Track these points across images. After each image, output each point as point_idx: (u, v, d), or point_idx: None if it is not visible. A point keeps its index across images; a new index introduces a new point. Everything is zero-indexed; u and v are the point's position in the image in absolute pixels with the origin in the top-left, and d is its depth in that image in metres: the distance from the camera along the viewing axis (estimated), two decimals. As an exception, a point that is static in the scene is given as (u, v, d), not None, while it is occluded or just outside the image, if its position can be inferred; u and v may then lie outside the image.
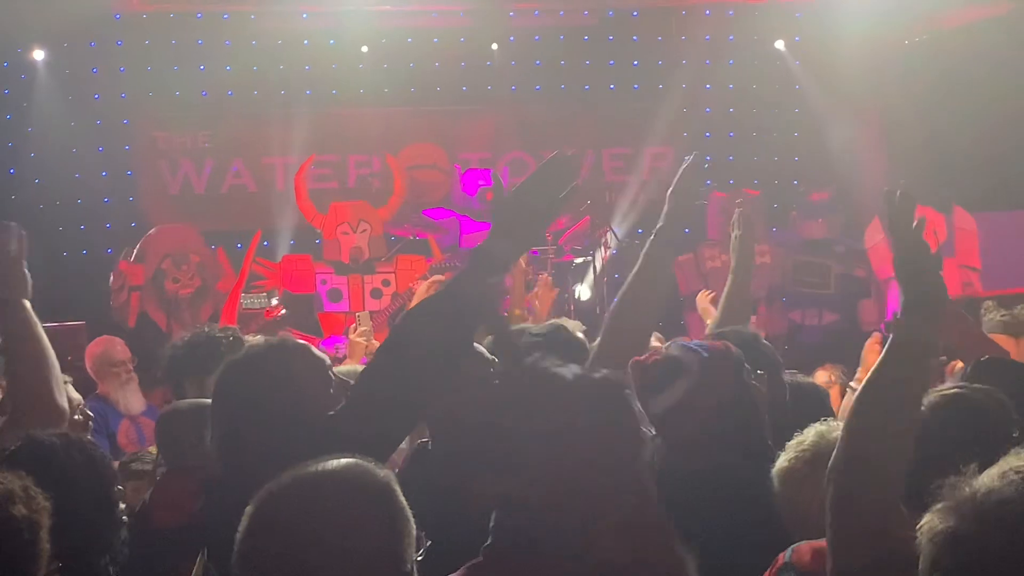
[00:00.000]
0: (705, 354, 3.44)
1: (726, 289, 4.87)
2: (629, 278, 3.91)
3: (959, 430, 2.79)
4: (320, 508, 2.00)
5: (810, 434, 3.04)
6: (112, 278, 10.87)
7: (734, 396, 3.33)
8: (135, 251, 10.94)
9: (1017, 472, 1.64)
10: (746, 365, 3.46)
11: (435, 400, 2.92)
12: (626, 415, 2.43)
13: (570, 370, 2.47)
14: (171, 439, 4.09)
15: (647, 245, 3.96)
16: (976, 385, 3.17)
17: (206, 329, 4.97)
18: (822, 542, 2.54)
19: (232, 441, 2.93)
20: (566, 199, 3.11)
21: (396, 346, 2.92)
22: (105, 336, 7.96)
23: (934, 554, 1.65)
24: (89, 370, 7.43)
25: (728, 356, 3.47)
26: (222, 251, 11.16)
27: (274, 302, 9.90)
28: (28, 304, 3.65)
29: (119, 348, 7.59)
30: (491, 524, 2.65)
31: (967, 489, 1.65)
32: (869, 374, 2.47)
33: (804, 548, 2.78)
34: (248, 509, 2.04)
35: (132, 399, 7.33)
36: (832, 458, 2.44)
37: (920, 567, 1.69)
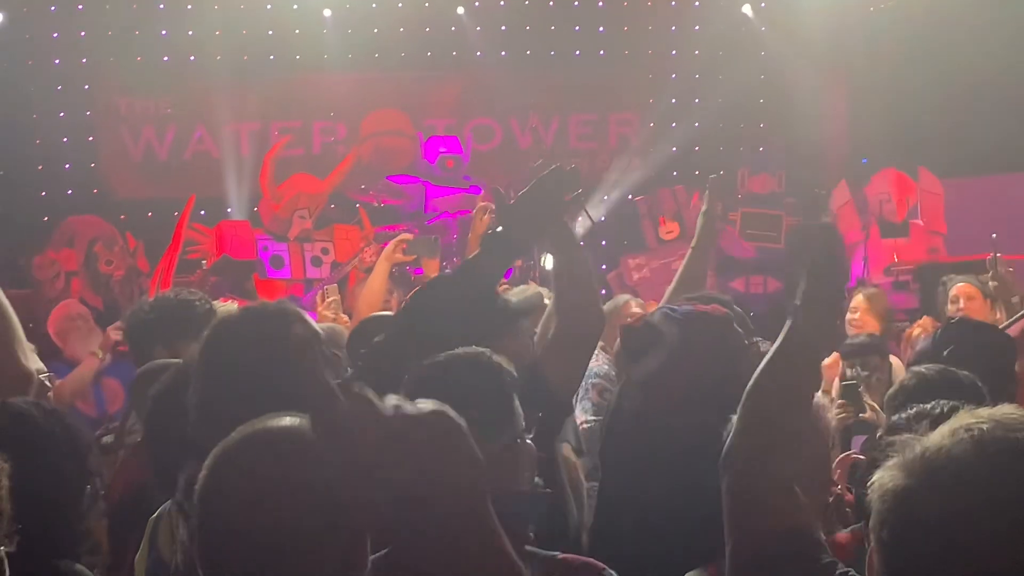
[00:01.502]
0: (680, 316, 3.44)
1: (685, 260, 4.98)
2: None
3: None
4: (278, 463, 1.98)
5: None
6: (38, 269, 10.70)
7: (715, 358, 3.33)
8: (54, 240, 10.84)
9: (967, 430, 1.63)
10: (737, 328, 3.47)
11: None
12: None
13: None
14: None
15: (687, 258, 4.73)
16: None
17: (171, 294, 4.93)
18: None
19: (216, 405, 2.89)
20: (567, 206, 3.48)
21: (412, 312, 2.99)
22: (65, 302, 7.96)
23: (882, 511, 1.65)
24: (52, 335, 7.41)
25: (709, 319, 3.48)
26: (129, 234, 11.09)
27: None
28: None
29: (76, 304, 7.62)
30: None
31: (917, 447, 1.65)
32: (766, 358, 2.46)
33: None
34: (207, 462, 2.02)
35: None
36: (727, 443, 2.45)
37: (870, 524, 1.68)
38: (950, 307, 7.06)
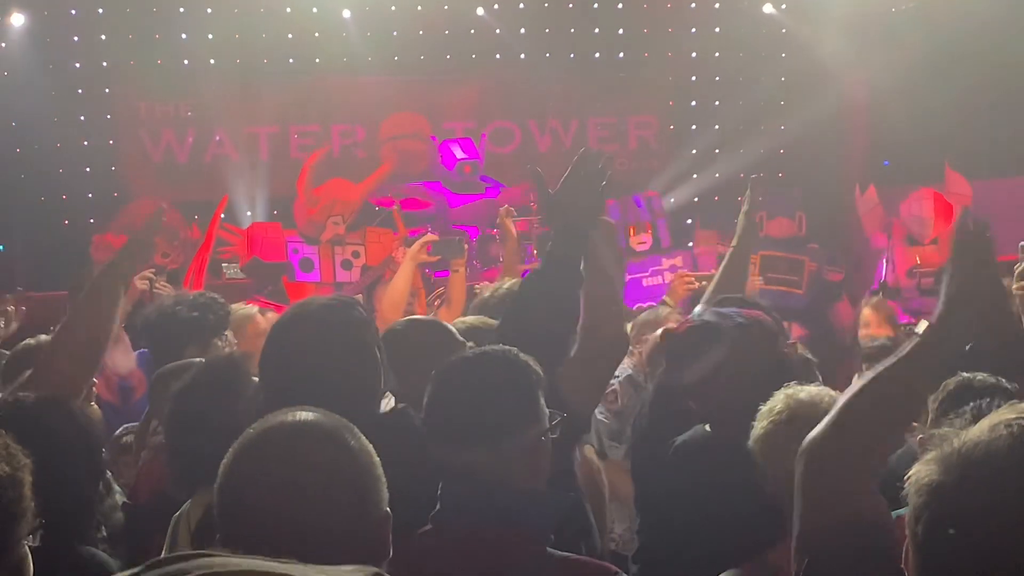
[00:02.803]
0: (741, 320, 3.42)
1: (725, 260, 4.94)
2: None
3: None
4: (300, 455, 2.01)
5: (779, 399, 3.01)
6: (96, 249, 10.76)
7: (770, 365, 3.32)
8: (117, 223, 10.85)
9: (1007, 426, 1.61)
10: (780, 334, 3.47)
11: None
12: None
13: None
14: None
15: (728, 258, 4.77)
16: None
17: (191, 296, 4.94)
18: None
19: (279, 400, 2.90)
20: (605, 190, 3.48)
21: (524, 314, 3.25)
22: None
23: (918, 505, 1.63)
24: None
25: (764, 324, 3.46)
26: (195, 225, 11.10)
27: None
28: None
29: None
30: (439, 491, 2.67)
31: (955, 441, 1.62)
32: (886, 363, 2.40)
33: None
34: (230, 451, 2.04)
35: (121, 360, 7.32)
36: (815, 432, 2.40)
37: (907, 518, 1.66)
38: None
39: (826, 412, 2.76)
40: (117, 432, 5.61)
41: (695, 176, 12.26)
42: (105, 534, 3.50)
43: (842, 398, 2.42)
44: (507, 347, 2.83)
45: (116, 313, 3.83)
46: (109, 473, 3.85)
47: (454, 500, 2.66)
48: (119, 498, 4.09)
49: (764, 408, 3.00)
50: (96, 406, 4.63)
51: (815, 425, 2.80)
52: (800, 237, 10.41)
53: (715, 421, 3.42)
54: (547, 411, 2.77)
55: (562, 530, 2.78)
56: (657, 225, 10.21)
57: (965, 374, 3.35)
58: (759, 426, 2.98)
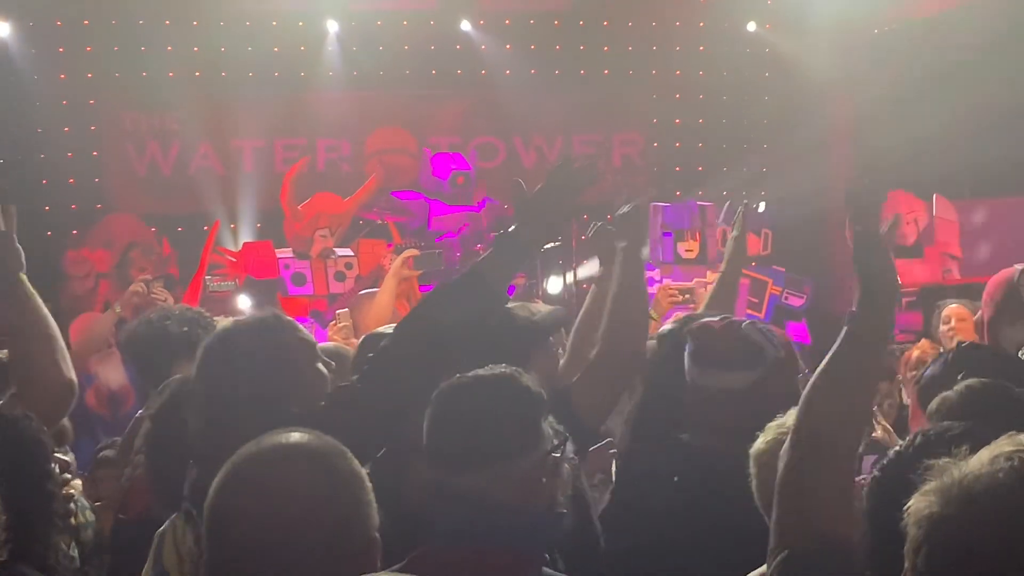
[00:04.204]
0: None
1: (714, 284, 4.98)
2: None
3: None
4: (289, 474, 2.01)
5: (791, 416, 3.00)
6: (72, 264, 10.72)
7: (784, 399, 3.30)
8: (94, 237, 10.81)
9: (1008, 459, 1.61)
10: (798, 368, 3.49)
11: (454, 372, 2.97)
12: None
13: None
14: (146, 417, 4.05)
15: (717, 281, 4.76)
16: None
17: (176, 310, 4.93)
18: None
19: (219, 423, 2.90)
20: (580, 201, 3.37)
21: (421, 318, 2.97)
22: (88, 313, 7.97)
23: (918, 537, 1.63)
24: (73, 343, 7.43)
25: (795, 358, 3.48)
26: (166, 240, 11.06)
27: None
28: (24, 277, 3.64)
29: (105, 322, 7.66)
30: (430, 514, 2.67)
31: (955, 472, 1.63)
32: (823, 363, 2.46)
33: None
34: (218, 476, 2.03)
35: (112, 373, 7.33)
36: (786, 443, 2.44)
37: (905, 549, 1.67)
38: (942, 327, 7.13)
39: None
40: (98, 447, 5.62)
41: (678, 194, 12.27)
42: (75, 553, 3.48)
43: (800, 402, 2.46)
44: (510, 369, 2.82)
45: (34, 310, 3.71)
46: (78, 491, 3.83)
47: (448, 522, 2.65)
48: (90, 515, 4.08)
49: (773, 424, 2.99)
50: (67, 422, 4.58)
51: None
52: (765, 255, 10.43)
53: (702, 432, 3.41)
54: (552, 431, 2.78)
55: (565, 550, 2.78)
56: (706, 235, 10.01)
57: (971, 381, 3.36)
58: (764, 439, 2.97)
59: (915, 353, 6.62)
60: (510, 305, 4.34)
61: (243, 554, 1.94)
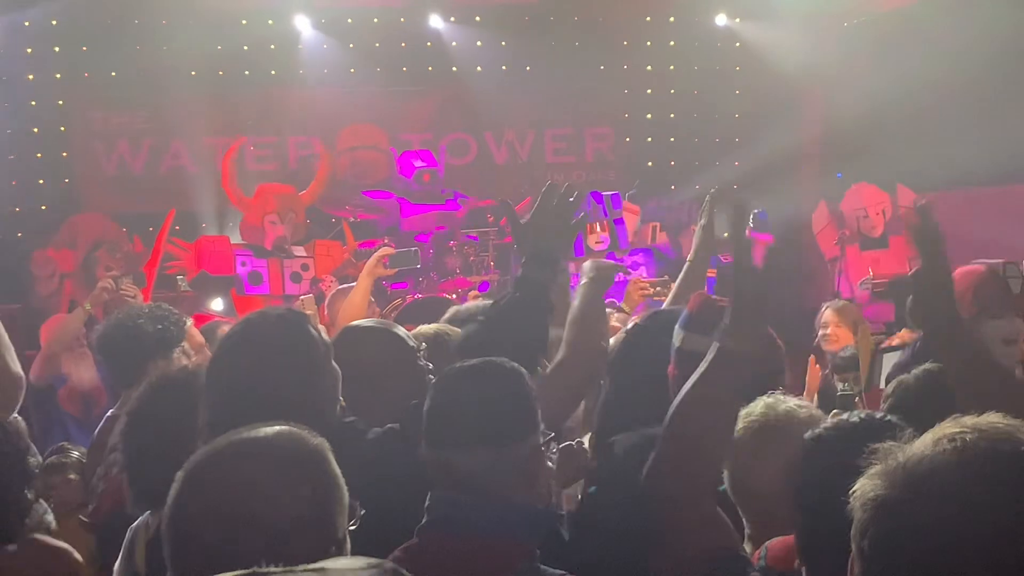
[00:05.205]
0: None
1: (682, 273, 4.97)
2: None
3: None
4: (248, 475, 1.99)
5: (758, 406, 3.02)
6: (37, 265, 10.65)
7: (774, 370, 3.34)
8: (59, 237, 10.76)
9: (950, 440, 1.62)
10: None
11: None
12: None
13: None
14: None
15: (685, 271, 4.79)
16: None
17: (144, 309, 4.91)
18: (790, 538, 2.54)
19: (236, 415, 2.89)
20: (578, 224, 3.65)
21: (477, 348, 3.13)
22: (58, 315, 7.95)
23: (864, 521, 1.64)
24: (44, 343, 7.41)
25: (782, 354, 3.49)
26: (137, 238, 11.02)
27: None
28: None
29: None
30: (426, 503, 2.66)
31: (899, 455, 1.64)
32: (691, 380, 2.47)
33: (777, 545, 2.76)
34: (178, 475, 2.02)
35: (85, 373, 7.31)
36: (649, 461, 2.46)
37: (851, 532, 1.68)
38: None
39: (800, 426, 2.80)
40: (47, 452, 5.61)
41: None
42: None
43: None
44: (501, 360, 2.86)
45: None
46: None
47: (445, 511, 2.65)
48: (49, 518, 4.08)
49: (741, 412, 2.95)
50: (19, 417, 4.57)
51: (783, 436, 2.84)
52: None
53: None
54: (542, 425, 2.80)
55: (548, 546, 2.79)
56: (615, 224, 10.12)
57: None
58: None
59: (894, 342, 6.64)
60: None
61: (202, 558, 1.93)
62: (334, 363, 3.14)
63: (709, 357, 2.46)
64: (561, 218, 3.56)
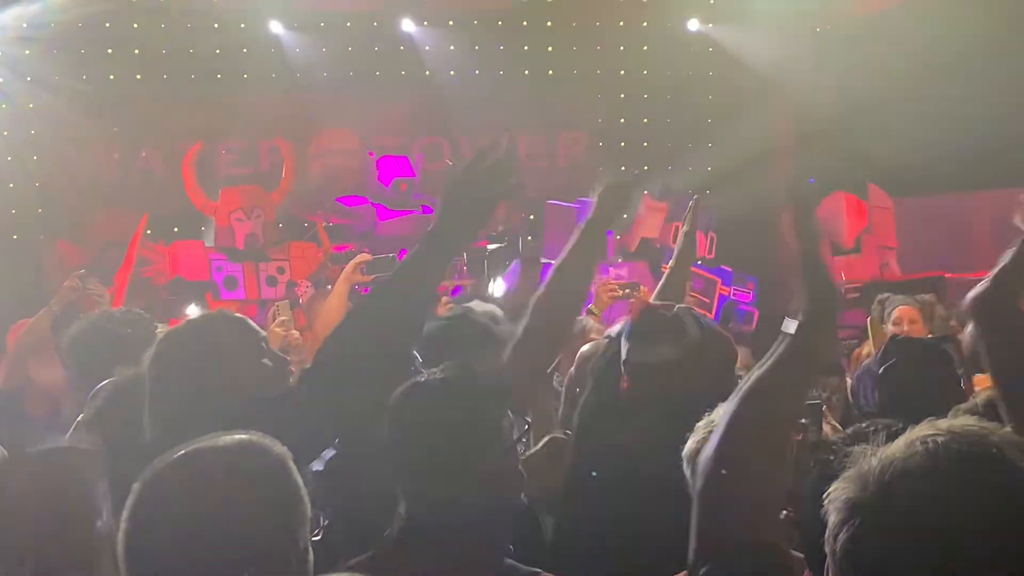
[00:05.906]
0: (707, 320, 3.44)
1: (663, 278, 4.97)
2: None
3: None
4: (206, 485, 1.97)
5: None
6: (48, 257, 10.61)
7: (721, 385, 3.26)
8: (74, 231, 10.70)
9: (923, 442, 1.63)
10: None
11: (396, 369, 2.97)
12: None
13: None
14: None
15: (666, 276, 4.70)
16: None
17: (116, 313, 4.88)
18: None
19: (171, 421, 2.89)
20: (508, 191, 3.22)
21: (356, 317, 2.96)
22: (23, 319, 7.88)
23: (837, 523, 1.65)
24: (11, 347, 7.35)
25: (726, 336, 3.48)
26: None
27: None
28: None
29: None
30: (399, 510, 2.65)
31: (873, 458, 1.64)
32: (759, 371, 2.38)
33: None
34: (135, 486, 2.00)
35: (52, 374, 7.23)
36: (706, 449, 2.39)
37: (825, 535, 1.68)
38: (891, 328, 7.08)
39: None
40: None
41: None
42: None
43: (727, 410, 2.40)
44: (461, 369, 2.83)
45: None
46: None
47: (410, 523, 2.65)
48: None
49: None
50: None
51: None
52: (708, 258, 10.50)
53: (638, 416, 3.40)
54: (512, 422, 2.79)
55: (520, 542, 2.79)
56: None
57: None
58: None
59: (865, 350, 6.64)
60: (472, 304, 4.35)
61: (159, 559, 1.93)
62: (265, 361, 3.12)
63: (780, 349, 2.34)
64: (484, 186, 3.15)
